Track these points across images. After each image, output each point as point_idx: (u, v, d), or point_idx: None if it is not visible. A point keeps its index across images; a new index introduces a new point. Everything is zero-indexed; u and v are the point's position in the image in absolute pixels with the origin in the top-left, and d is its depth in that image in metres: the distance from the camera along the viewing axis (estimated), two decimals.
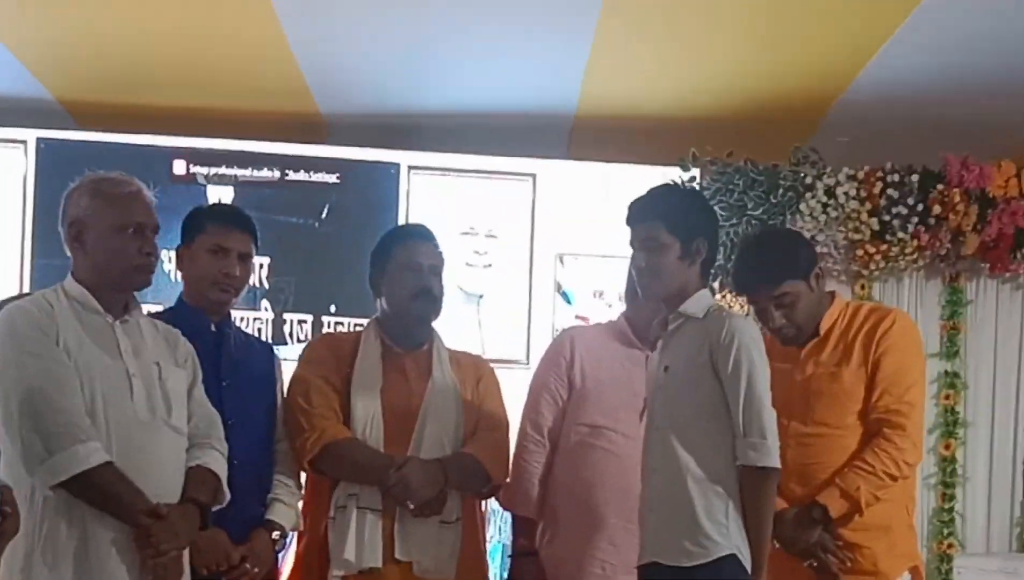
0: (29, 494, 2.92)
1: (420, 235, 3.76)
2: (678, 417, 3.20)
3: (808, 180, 5.60)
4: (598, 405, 3.73)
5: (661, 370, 3.29)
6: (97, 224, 3.13)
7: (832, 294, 3.70)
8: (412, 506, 3.42)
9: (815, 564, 3.49)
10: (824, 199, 5.55)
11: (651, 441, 3.30)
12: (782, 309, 3.55)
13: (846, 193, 5.55)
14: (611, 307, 5.64)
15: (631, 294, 3.84)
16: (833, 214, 5.57)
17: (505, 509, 3.88)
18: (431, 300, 3.63)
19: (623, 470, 3.63)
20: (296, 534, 3.62)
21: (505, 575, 3.94)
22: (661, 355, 3.33)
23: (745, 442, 3.11)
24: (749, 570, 3.11)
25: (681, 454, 3.16)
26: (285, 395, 3.63)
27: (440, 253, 3.72)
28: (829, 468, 3.50)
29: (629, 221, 3.33)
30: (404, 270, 3.63)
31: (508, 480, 3.73)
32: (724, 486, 3.14)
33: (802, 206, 5.54)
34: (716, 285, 5.56)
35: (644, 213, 3.30)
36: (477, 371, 3.76)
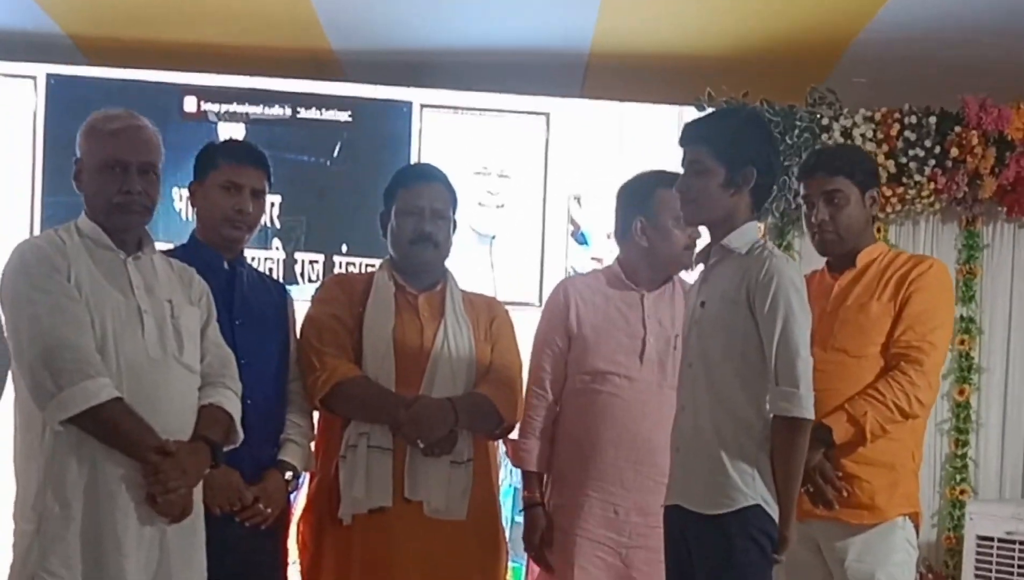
0: (41, 430, 2.94)
1: (424, 176, 3.73)
2: (710, 355, 3.14)
3: (825, 121, 5.55)
4: (597, 351, 3.72)
5: (698, 304, 3.22)
6: (88, 162, 3.15)
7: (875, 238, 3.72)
8: (422, 445, 3.42)
9: (811, 489, 3.44)
10: (840, 140, 5.49)
11: (684, 377, 3.26)
12: (830, 206, 3.55)
13: (863, 135, 5.49)
14: None
15: (621, 235, 3.82)
16: None
17: (515, 466, 3.90)
18: (431, 245, 3.61)
19: (629, 412, 3.66)
20: (308, 474, 3.62)
21: (518, 519, 3.95)
22: (700, 289, 3.26)
23: (777, 391, 3.02)
24: (776, 519, 3.06)
25: (710, 395, 3.12)
26: (298, 335, 3.62)
27: (447, 194, 3.69)
28: (841, 395, 3.47)
29: (680, 142, 3.24)
30: (405, 214, 3.62)
31: (518, 431, 3.74)
32: (753, 433, 3.08)
33: (818, 147, 5.48)
34: None
35: (693, 136, 3.21)
36: (490, 312, 3.74)
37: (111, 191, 3.10)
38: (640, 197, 3.75)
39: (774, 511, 3.07)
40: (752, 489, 3.06)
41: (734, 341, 3.10)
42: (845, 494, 3.45)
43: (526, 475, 3.81)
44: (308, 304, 3.68)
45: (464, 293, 3.71)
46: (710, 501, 3.08)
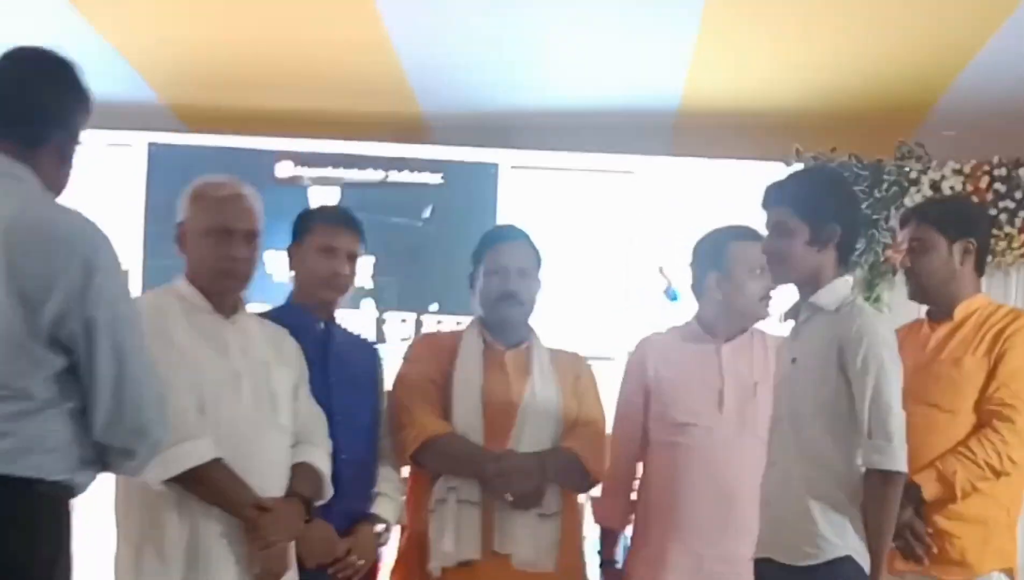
0: (141, 486, 2.99)
1: (508, 237, 3.80)
2: (801, 412, 3.14)
3: (913, 175, 5.55)
4: (676, 404, 3.74)
5: (789, 361, 3.23)
6: (192, 227, 3.23)
7: (978, 289, 3.68)
8: (511, 498, 3.46)
9: (901, 546, 3.44)
10: (929, 193, 5.48)
11: (773, 434, 3.26)
12: (911, 254, 3.57)
13: (951, 187, 5.49)
14: None
15: (697, 290, 3.87)
16: None
17: (596, 522, 3.94)
18: (516, 303, 3.67)
19: (709, 462, 3.66)
20: (399, 528, 3.67)
21: None
22: (790, 346, 3.27)
23: (871, 444, 3.02)
24: (867, 571, 3.04)
25: (801, 450, 3.12)
26: (389, 392, 3.69)
27: (532, 253, 3.75)
28: (932, 451, 3.44)
29: (763, 205, 3.27)
30: (490, 274, 3.68)
31: (600, 489, 3.79)
32: (844, 486, 3.07)
33: (906, 200, 5.48)
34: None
35: (775, 197, 3.24)
36: (575, 368, 3.79)
37: (216, 256, 3.19)
38: (714, 252, 3.79)
39: (865, 563, 3.05)
40: (843, 540, 3.04)
41: (825, 397, 3.09)
42: (935, 551, 3.44)
43: (605, 532, 3.86)
44: (399, 362, 3.76)
45: (550, 350, 3.77)
46: (801, 552, 3.07)
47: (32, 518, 2.36)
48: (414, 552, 3.58)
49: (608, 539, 3.86)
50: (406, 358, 3.77)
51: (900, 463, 3.03)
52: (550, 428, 3.61)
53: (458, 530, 3.47)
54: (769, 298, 3.79)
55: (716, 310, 3.80)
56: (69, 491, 2.46)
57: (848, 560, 3.04)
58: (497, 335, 3.71)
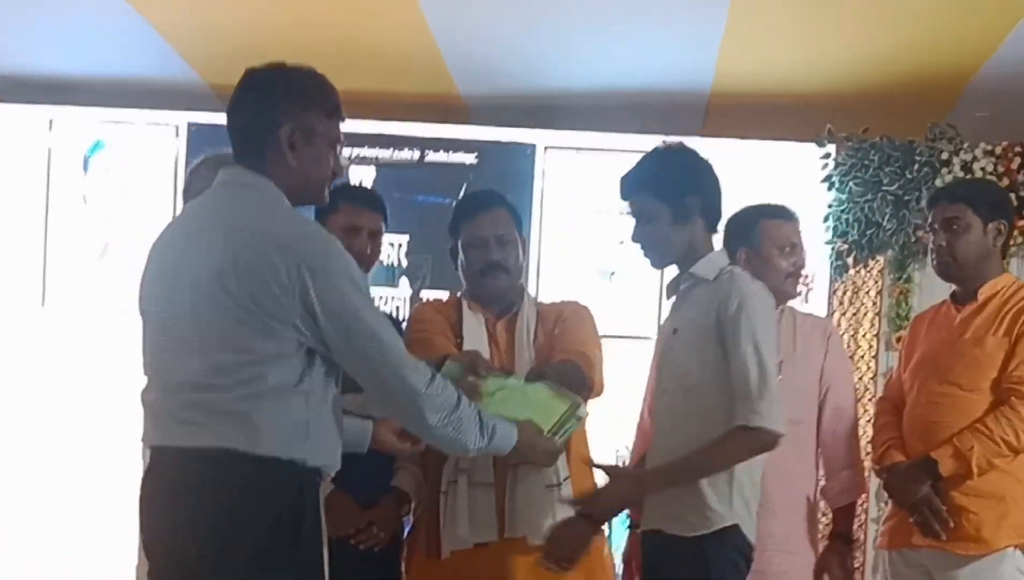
0: None
1: (483, 205, 3.70)
2: (684, 382, 3.17)
3: (944, 156, 5.56)
4: None
5: (670, 332, 3.27)
6: None
7: (1005, 270, 3.76)
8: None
9: (919, 521, 3.50)
10: (960, 174, 5.49)
11: (659, 403, 3.31)
12: (948, 233, 3.62)
13: (983, 168, 5.49)
14: None
15: None
16: None
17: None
18: (501, 273, 3.59)
19: None
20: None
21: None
22: (672, 317, 3.31)
23: (748, 405, 3.02)
24: (751, 540, 3.11)
25: (685, 419, 3.14)
26: None
27: (509, 217, 3.66)
28: (952, 428, 3.52)
29: (622, 196, 3.30)
30: (469, 247, 3.61)
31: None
32: None
33: (938, 181, 5.48)
34: (851, 260, 5.57)
35: (631, 186, 3.27)
36: (558, 312, 3.69)
37: None
38: (745, 228, 3.82)
39: (750, 531, 3.11)
40: (728, 510, 3.09)
41: (708, 366, 3.11)
42: (951, 525, 3.49)
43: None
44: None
45: (542, 306, 3.71)
46: (688, 524, 3.11)
47: None
48: (422, 533, 3.56)
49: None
50: (413, 319, 3.75)
51: (779, 423, 3.04)
52: None
53: (472, 513, 3.43)
54: (798, 276, 3.83)
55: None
56: None
57: (735, 529, 3.09)
58: (487, 305, 3.65)
